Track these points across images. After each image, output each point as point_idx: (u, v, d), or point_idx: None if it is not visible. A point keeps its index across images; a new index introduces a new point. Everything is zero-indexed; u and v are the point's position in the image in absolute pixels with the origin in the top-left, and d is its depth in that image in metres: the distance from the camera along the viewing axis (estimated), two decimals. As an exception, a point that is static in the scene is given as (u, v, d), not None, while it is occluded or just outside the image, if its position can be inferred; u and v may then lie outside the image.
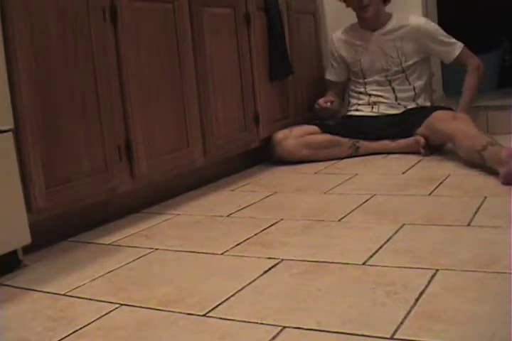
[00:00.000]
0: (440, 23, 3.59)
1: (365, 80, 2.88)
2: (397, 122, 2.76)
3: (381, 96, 2.85)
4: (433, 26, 2.79)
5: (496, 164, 2.04)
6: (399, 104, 2.83)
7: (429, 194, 1.98)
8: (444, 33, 2.76)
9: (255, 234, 1.68)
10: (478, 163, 2.21)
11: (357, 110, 2.90)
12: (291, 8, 2.90)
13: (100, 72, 1.77)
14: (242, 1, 2.50)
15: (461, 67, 2.79)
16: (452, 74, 3.93)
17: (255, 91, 2.60)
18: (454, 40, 2.77)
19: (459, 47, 2.75)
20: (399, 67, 2.81)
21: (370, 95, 2.88)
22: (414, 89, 2.84)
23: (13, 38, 1.49)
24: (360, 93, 2.91)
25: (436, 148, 2.63)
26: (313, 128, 2.75)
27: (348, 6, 2.85)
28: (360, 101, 2.90)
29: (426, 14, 3.37)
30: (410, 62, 2.80)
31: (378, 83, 2.85)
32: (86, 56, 1.72)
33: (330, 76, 3.03)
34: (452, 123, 2.42)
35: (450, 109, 2.69)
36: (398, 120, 2.77)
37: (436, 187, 2.06)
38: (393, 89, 2.84)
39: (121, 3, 1.84)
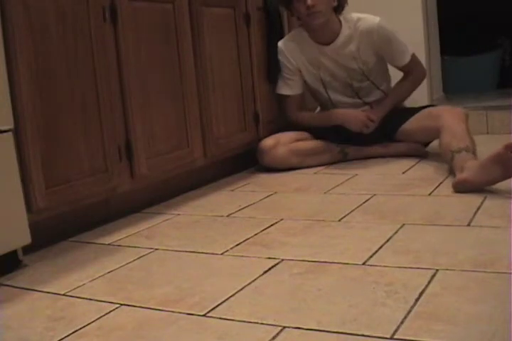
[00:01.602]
0: (440, 23, 3.60)
1: (329, 92, 2.70)
2: (381, 123, 2.62)
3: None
4: (387, 28, 2.56)
5: (458, 170, 2.00)
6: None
7: (429, 194, 1.98)
8: (397, 35, 2.57)
9: (255, 234, 1.68)
10: (447, 163, 2.16)
11: None
12: (291, 8, 2.89)
13: (100, 72, 1.77)
14: (242, 1, 2.50)
15: (406, 73, 2.66)
16: (452, 74, 3.95)
17: (255, 91, 2.60)
18: (404, 43, 2.61)
19: (409, 51, 2.61)
20: (362, 76, 2.66)
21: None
22: (383, 91, 2.71)
23: (13, 38, 1.49)
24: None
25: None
26: (301, 133, 2.65)
27: (293, 15, 2.63)
28: None
29: (426, 14, 3.36)
30: (371, 66, 2.64)
31: (345, 94, 2.69)
32: (86, 56, 1.72)
33: (289, 91, 2.69)
34: (443, 117, 2.31)
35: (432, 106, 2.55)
36: (381, 121, 2.63)
37: (437, 187, 2.06)
38: (364, 103, 2.70)
39: (121, 3, 1.85)
